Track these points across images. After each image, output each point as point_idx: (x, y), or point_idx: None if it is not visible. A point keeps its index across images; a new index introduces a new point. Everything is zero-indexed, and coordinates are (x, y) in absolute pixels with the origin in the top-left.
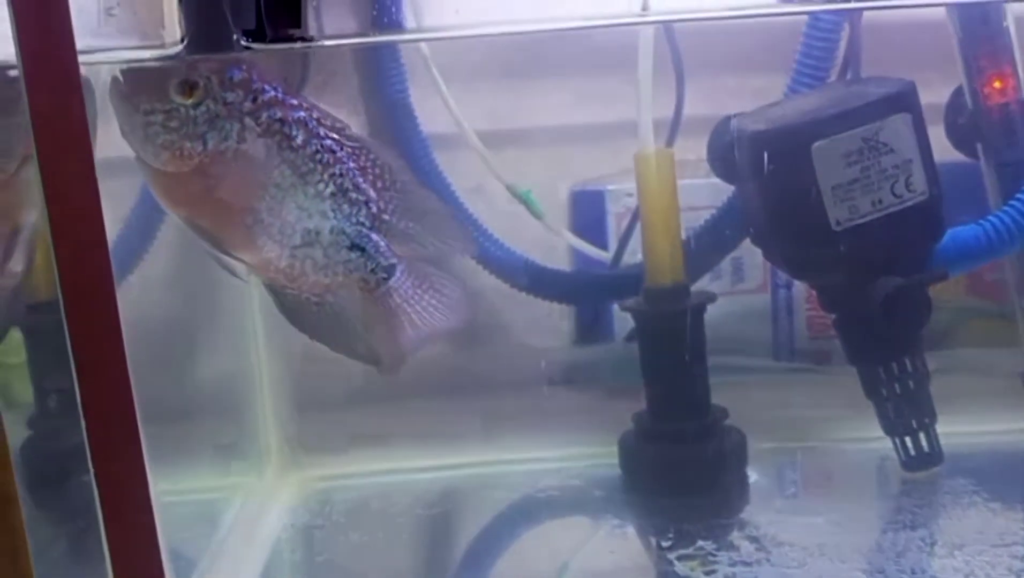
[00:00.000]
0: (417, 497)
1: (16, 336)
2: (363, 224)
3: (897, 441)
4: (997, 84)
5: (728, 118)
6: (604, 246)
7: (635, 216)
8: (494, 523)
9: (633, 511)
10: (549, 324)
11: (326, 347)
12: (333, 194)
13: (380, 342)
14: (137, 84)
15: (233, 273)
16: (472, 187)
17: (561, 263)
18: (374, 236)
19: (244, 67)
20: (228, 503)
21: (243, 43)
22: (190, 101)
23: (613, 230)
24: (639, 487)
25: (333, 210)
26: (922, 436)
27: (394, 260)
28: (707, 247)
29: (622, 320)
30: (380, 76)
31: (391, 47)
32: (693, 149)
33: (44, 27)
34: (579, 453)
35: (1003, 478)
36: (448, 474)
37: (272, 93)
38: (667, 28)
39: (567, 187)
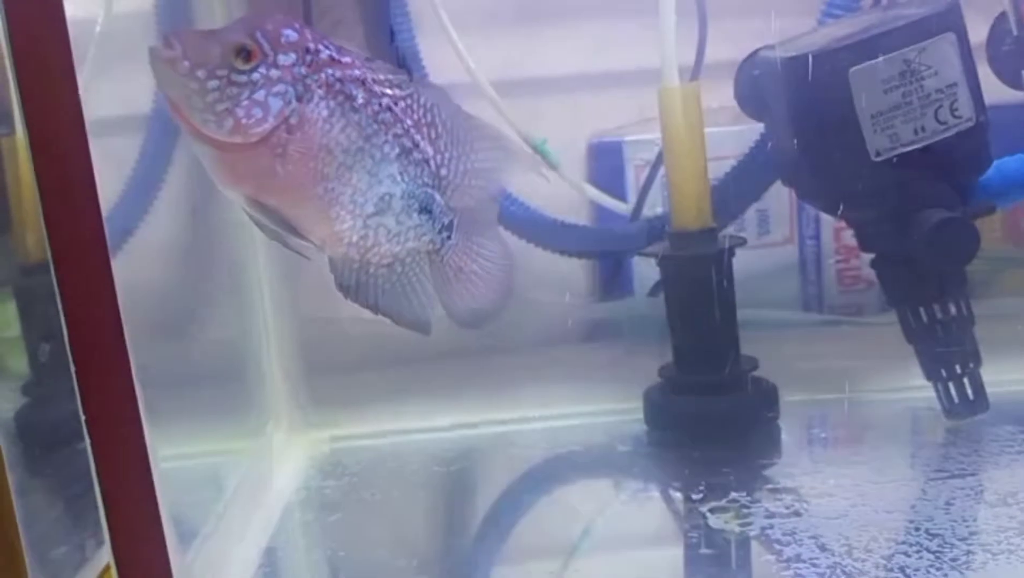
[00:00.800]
0: (433, 456)
1: (11, 308)
2: (427, 184)
3: (940, 387)
4: None
5: (757, 51)
6: (623, 198)
7: (657, 162)
8: (515, 481)
9: (661, 466)
10: (568, 279)
11: (391, 320)
12: (399, 155)
13: (456, 300)
14: (192, 49)
15: (303, 254)
16: None
17: (580, 216)
18: (437, 195)
19: (297, 26)
20: (234, 466)
21: None
22: (249, 66)
23: (632, 182)
24: (666, 441)
25: (400, 173)
26: (966, 382)
27: (453, 216)
28: (734, 193)
29: (642, 275)
30: (386, 24)
31: None
32: (716, 95)
33: None
34: (602, 409)
35: None
36: (465, 433)
37: (328, 52)
38: None
39: (585, 138)
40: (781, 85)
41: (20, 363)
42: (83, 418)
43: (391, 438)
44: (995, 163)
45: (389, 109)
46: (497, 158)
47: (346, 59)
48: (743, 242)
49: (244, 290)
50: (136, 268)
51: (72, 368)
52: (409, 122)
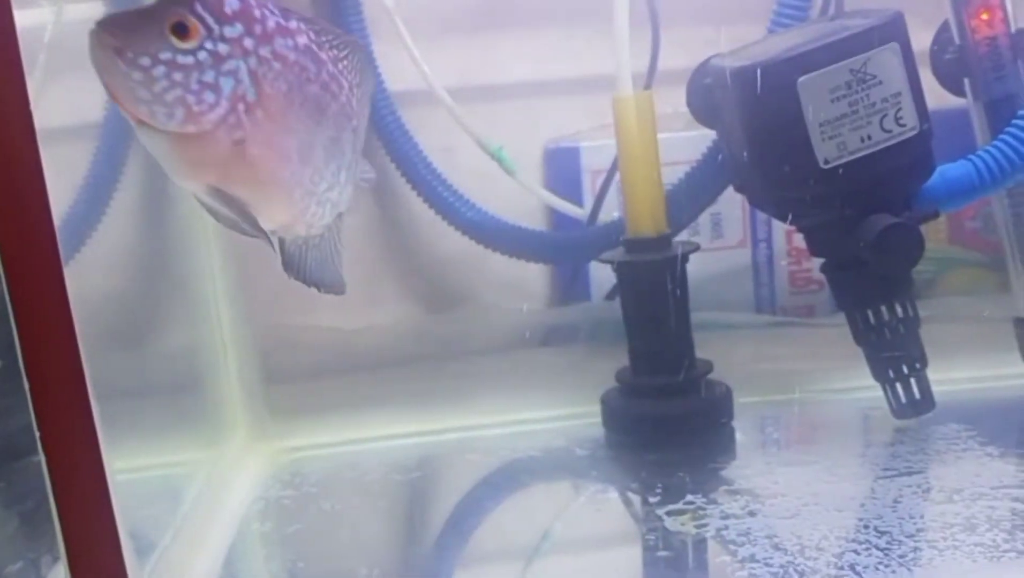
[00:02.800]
0: (393, 464)
1: None
2: (357, 150)
3: (887, 387)
4: (984, 16)
5: (708, 59)
6: (579, 204)
7: (613, 168)
8: (475, 487)
9: (618, 469)
10: (524, 285)
11: (316, 288)
12: (344, 125)
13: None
14: (128, 33)
15: (270, 242)
16: (442, 147)
17: (536, 222)
18: (361, 159)
19: None
20: (191, 478)
21: None
22: (189, 45)
23: (588, 187)
24: (624, 444)
25: (345, 143)
26: (913, 382)
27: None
28: (688, 199)
29: (598, 280)
30: (340, 29)
31: None
32: (669, 101)
33: None
34: (560, 414)
35: (996, 423)
36: (424, 440)
37: (275, 19)
38: None
39: (541, 144)
40: (731, 94)
41: None
42: (37, 433)
43: (350, 447)
44: (938, 169)
45: (335, 78)
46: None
47: (292, 24)
48: (696, 248)
49: (200, 299)
50: (89, 278)
51: (25, 382)
52: (346, 86)
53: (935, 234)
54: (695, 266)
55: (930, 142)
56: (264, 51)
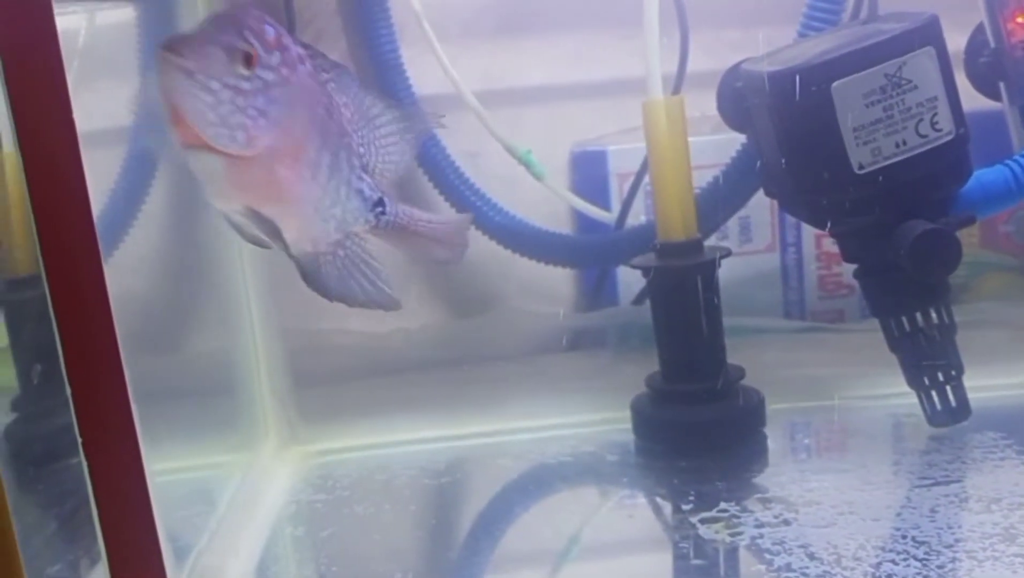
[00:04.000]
0: (422, 468)
1: None
2: (357, 167)
3: (923, 395)
4: (1020, 19)
5: (739, 63)
6: (606, 208)
7: (641, 172)
8: (504, 492)
9: (650, 475)
10: (551, 289)
11: (346, 304)
12: (343, 145)
13: (425, 251)
14: (200, 57)
15: (296, 260)
16: (469, 151)
17: (562, 226)
18: (365, 176)
19: (269, 20)
20: (227, 481)
21: None
22: (251, 71)
23: (616, 191)
24: (655, 451)
25: (344, 162)
26: (949, 389)
27: (381, 193)
28: (718, 202)
29: (626, 284)
30: (369, 35)
31: (380, 3)
32: (697, 104)
33: None
34: (590, 419)
35: None
36: (454, 445)
37: (296, 48)
38: None
39: (567, 148)
40: (764, 98)
41: (9, 377)
42: (79, 435)
43: (379, 451)
44: (975, 174)
45: (330, 98)
46: (398, 126)
47: (301, 51)
48: (728, 253)
49: (231, 303)
50: (122, 281)
51: (67, 384)
52: (338, 105)
53: (967, 238)
54: (724, 270)
55: (967, 147)
56: (293, 77)
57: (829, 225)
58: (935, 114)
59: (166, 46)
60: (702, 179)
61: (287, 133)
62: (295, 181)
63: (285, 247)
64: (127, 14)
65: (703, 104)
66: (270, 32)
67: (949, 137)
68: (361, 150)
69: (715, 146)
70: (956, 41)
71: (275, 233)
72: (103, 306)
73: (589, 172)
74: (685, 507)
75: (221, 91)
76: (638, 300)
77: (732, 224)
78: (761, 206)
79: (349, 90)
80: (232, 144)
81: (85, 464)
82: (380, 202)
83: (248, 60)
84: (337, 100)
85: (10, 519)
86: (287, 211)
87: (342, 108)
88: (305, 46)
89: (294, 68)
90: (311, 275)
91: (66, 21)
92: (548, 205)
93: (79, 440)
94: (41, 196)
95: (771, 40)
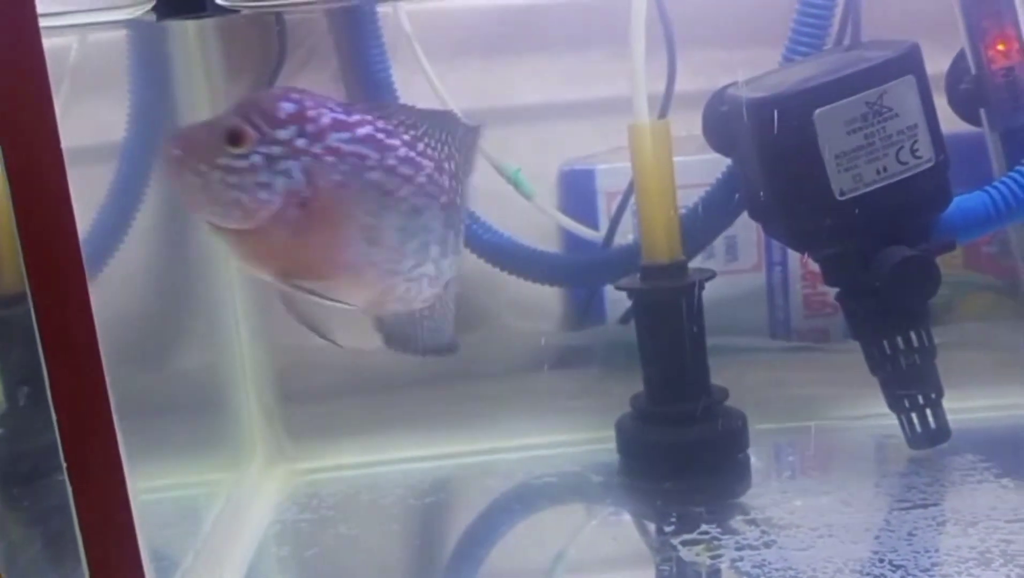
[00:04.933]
0: (408, 487)
1: None
2: (456, 224)
3: (903, 418)
4: (1001, 47)
5: (724, 88)
6: (594, 226)
7: (628, 192)
8: (489, 512)
9: (633, 496)
10: (540, 307)
11: (431, 355)
12: (426, 205)
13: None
14: (188, 143)
15: (332, 341)
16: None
17: (551, 244)
18: (462, 227)
19: (296, 96)
20: (212, 498)
21: (218, 2)
22: (243, 149)
23: (604, 210)
24: (639, 471)
25: (431, 220)
26: (929, 412)
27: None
28: (702, 224)
29: (614, 302)
30: (360, 54)
31: (371, 23)
32: (683, 124)
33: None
34: (575, 438)
35: (1013, 454)
36: (440, 464)
37: (331, 115)
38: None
39: (556, 166)
40: (747, 125)
41: None
42: (63, 458)
43: (366, 470)
44: (955, 200)
45: (408, 159)
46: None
47: (354, 117)
48: (712, 275)
49: (219, 319)
50: (110, 298)
51: (51, 403)
52: (430, 165)
53: (951, 259)
54: (709, 290)
55: (946, 173)
56: (317, 148)
57: (809, 251)
58: (915, 141)
59: (165, 137)
60: (688, 199)
61: (312, 201)
62: (334, 246)
63: (326, 332)
64: (118, 34)
65: (689, 124)
66: (286, 108)
67: (929, 164)
68: (457, 200)
69: (702, 166)
70: (939, 64)
71: (324, 297)
72: (87, 324)
73: (577, 191)
74: (667, 529)
75: (209, 172)
76: (624, 319)
77: (718, 243)
78: (747, 226)
79: (453, 143)
80: (228, 220)
81: (69, 485)
82: (458, 249)
83: (237, 137)
84: (428, 159)
85: None
86: (335, 277)
87: (442, 165)
88: (380, 107)
89: (322, 137)
90: (398, 336)
91: (56, 37)
92: (537, 223)
93: (63, 462)
94: (26, 214)
95: (759, 61)
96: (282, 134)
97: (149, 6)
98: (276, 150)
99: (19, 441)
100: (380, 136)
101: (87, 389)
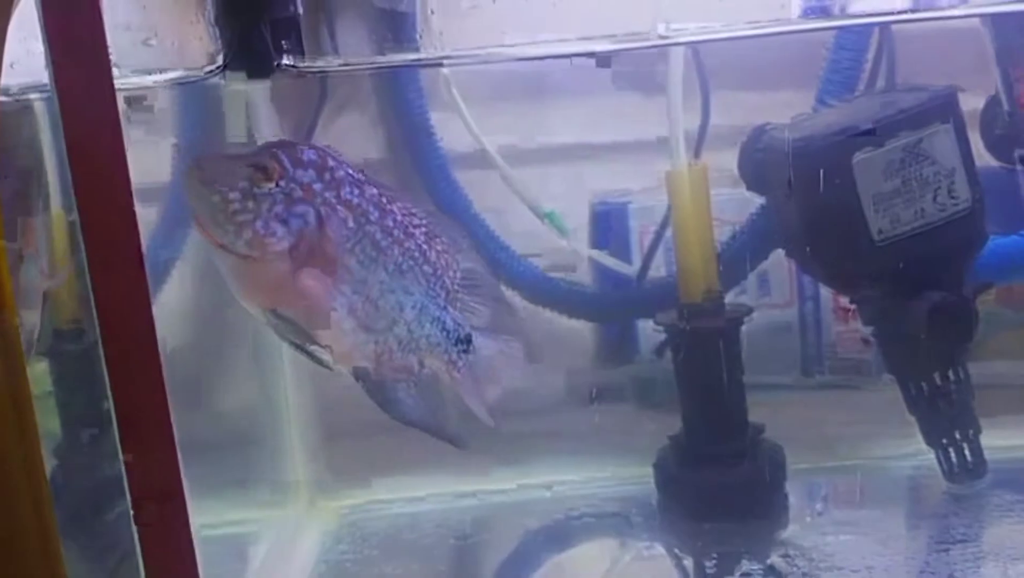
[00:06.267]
0: (449, 526)
1: (39, 366)
2: (439, 297)
3: (940, 454)
4: None
5: (760, 128)
6: (627, 262)
7: (662, 229)
8: (529, 551)
9: (673, 535)
10: (573, 341)
11: (420, 430)
12: (411, 268)
13: (471, 405)
14: (214, 168)
15: (322, 364)
16: (495, 208)
17: (585, 280)
18: (450, 309)
19: (319, 148)
20: (258, 536)
21: (283, 64)
22: (268, 184)
23: (636, 246)
24: (678, 510)
25: (412, 284)
26: (966, 448)
27: (469, 330)
28: (736, 260)
29: (647, 338)
30: (399, 98)
31: (409, 68)
32: (714, 163)
33: (80, 56)
34: (611, 476)
35: None
36: (479, 502)
37: (344, 171)
38: (692, 46)
39: (588, 204)
40: (786, 167)
41: (53, 424)
42: (127, 490)
43: (406, 507)
44: (991, 243)
45: (403, 226)
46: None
47: (361, 176)
48: (750, 312)
49: (262, 356)
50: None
51: (118, 440)
52: (421, 238)
53: (984, 296)
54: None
55: (983, 216)
56: (331, 196)
57: (847, 290)
58: (952, 184)
59: (194, 159)
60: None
61: (316, 244)
62: (324, 291)
63: (318, 355)
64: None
65: (721, 161)
66: (310, 155)
67: (966, 206)
68: (457, 289)
69: (733, 202)
70: (973, 103)
71: (304, 335)
72: (154, 362)
73: (610, 227)
74: (709, 569)
75: (230, 195)
76: (659, 351)
77: (751, 279)
78: (779, 261)
79: (450, 239)
80: (238, 242)
81: (135, 527)
82: (467, 339)
83: (266, 173)
84: (434, 249)
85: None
86: (317, 319)
87: (433, 242)
88: (387, 187)
89: (336, 189)
90: (375, 392)
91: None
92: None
93: (127, 494)
94: (97, 257)
95: (791, 103)
96: (303, 176)
97: (216, 67)
98: (297, 192)
99: (79, 478)
100: (383, 200)
101: (153, 426)
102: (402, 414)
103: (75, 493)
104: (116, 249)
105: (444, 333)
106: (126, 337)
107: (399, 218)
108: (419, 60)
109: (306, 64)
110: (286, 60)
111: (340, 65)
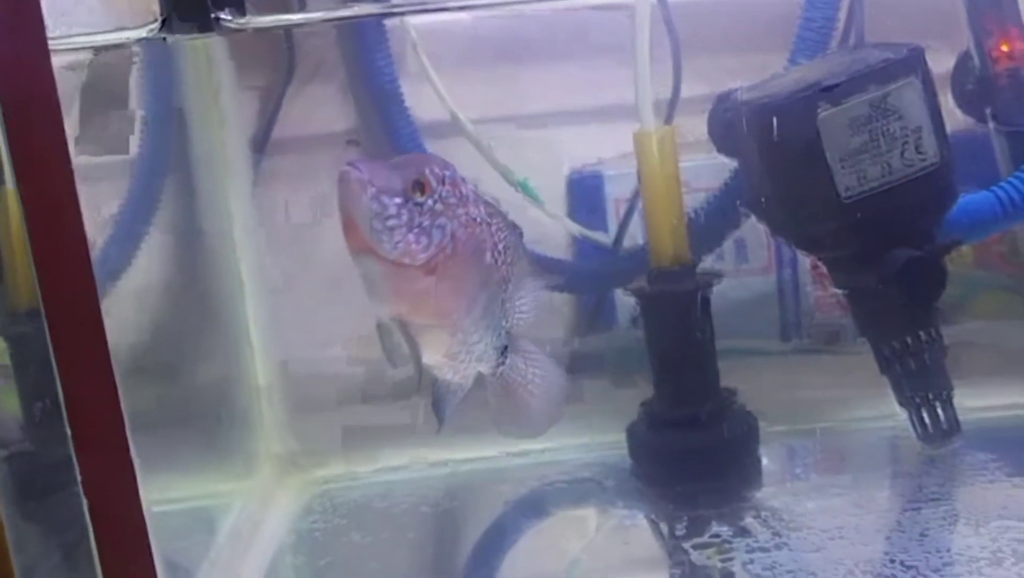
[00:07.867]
0: (421, 495)
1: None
2: (505, 313)
3: (914, 415)
4: (1005, 48)
5: (729, 92)
6: (604, 231)
7: (635, 198)
8: (502, 518)
9: (645, 500)
10: (550, 312)
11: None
12: (501, 286)
13: (505, 417)
14: (376, 173)
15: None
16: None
17: (560, 250)
18: (504, 322)
19: (451, 167)
20: (226, 509)
21: (222, 20)
22: (423, 198)
23: (612, 215)
24: (650, 475)
25: (496, 301)
26: (939, 409)
27: (507, 341)
28: (711, 226)
29: (624, 307)
30: (368, 65)
31: (378, 34)
32: (690, 129)
33: (13, 20)
34: (587, 443)
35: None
36: (452, 470)
37: (467, 188)
38: (662, 6)
39: (564, 173)
40: (752, 128)
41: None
42: (77, 468)
43: (378, 477)
44: (961, 200)
45: (498, 250)
46: (530, 286)
47: (474, 197)
48: (720, 277)
49: (231, 331)
50: (122, 312)
51: (65, 417)
52: (503, 262)
53: (961, 258)
54: (720, 292)
55: (952, 173)
56: (461, 212)
57: (816, 250)
58: (920, 141)
59: (349, 162)
60: (695, 202)
61: (449, 259)
62: (452, 306)
63: (418, 369)
64: (127, 53)
65: (695, 128)
66: (449, 174)
67: (934, 163)
68: (506, 302)
69: (708, 169)
70: (944, 63)
71: (416, 351)
72: (100, 341)
73: (586, 196)
74: (679, 532)
75: (389, 204)
76: (636, 322)
77: (728, 245)
78: (756, 228)
79: (516, 249)
80: (393, 250)
81: (83, 498)
82: (504, 350)
83: (421, 187)
84: (505, 258)
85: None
86: (437, 332)
87: (509, 265)
88: (487, 204)
89: (465, 206)
90: (439, 403)
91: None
92: (547, 229)
93: (77, 472)
94: (39, 231)
95: (766, 65)
96: (446, 194)
97: (155, 26)
98: (440, 207)
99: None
100: (487, 222)
101: (100, 403)
102: (441, 415)
103: (34, 473)
104: (58, 225)
105: (499, 343)
106: (71, 314)
107: (502, 235)
108: (379, 13)
109: (245, 20)
110: (224, 15)
111: (284, 21)
